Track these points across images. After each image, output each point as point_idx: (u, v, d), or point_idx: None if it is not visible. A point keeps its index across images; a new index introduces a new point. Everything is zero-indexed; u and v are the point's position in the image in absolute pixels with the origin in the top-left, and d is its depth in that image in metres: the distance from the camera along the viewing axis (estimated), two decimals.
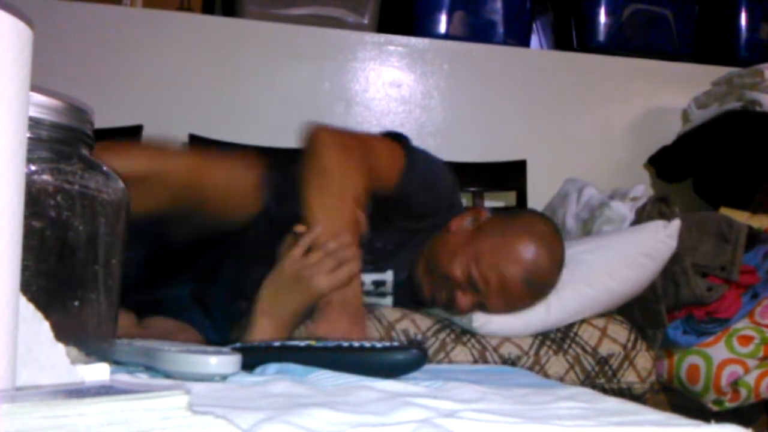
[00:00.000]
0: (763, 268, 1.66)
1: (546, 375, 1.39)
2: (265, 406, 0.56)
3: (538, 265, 1.31)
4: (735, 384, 1.60)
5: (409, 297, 1.43)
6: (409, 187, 1.32)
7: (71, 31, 2.12)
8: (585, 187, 1.84)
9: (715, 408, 1.61)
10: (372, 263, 1.38)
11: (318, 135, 1.23)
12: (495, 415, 0.54)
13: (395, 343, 0.85)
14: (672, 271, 1.61)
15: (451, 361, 1.37)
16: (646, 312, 1.57)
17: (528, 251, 1.30)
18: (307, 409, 0.53)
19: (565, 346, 1.43)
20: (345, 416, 0.53)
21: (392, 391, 0.66)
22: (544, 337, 1.43)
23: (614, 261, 1.46)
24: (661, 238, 1.49)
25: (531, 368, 1.39)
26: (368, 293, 1.43)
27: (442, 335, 1.39)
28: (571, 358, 1.42)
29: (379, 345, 0.83)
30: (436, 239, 1.38)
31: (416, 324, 1.40)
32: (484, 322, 1.36)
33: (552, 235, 1.36)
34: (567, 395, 0.68)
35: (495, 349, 1.39)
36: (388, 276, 1.43)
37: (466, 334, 1.40)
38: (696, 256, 1.64)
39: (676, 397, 1.74)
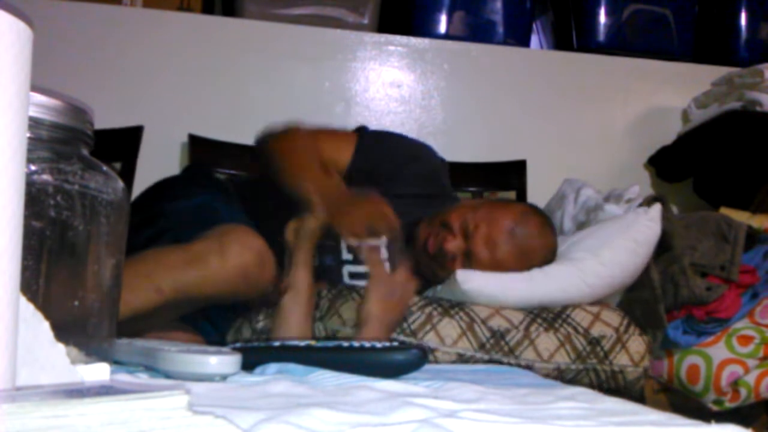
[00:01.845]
0: (763, 268, 1.66)
1: (536, 350, 1.39)
2: (265, 406, 0.56)
3: (528, 231, 1.44)
4: (735, 384, 1.60)
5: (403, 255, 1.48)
6: (365, 157, 1.53)
7: (71, 31, 2.11)
8: (582, 188, 1.83)
9: (715, 408, 1.62)
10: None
11: (264, 147, 1.52)
12: (495, 415, 0.54)
13: (395, 343, 0.86)
14: (671, 270, 1.61)
15: (438, 334, 1.37)
16: (646, 312, 1.57)
17: (521, 217, 1.45)
18: (307, 409, 0.53)
19: (557, 325, 1.42)
20: (345, 416, 0.53)
21: (392, 391, 0.67)
22: (535, 314, 1.43)
23: (600, 246, 1.50)
24: (643, 222, 1.52)
25: (520, 342, 1.39)
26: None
27: (428, 309, 1.39)
28: (562, 336, 1.41)
29: (379, 345, 0.83)
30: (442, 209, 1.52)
31: None
32: (466, 278, 1.40)
33: (546, 222, 1.51)
34: (567, 395, 0.68)
35: (483, 321, 1.39)
36: (382, 242, 1.46)
37: (453, 307, 1.41)
38: (695, 256, 1.64)
39: (676, 397, 1.74)
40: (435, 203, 1.56)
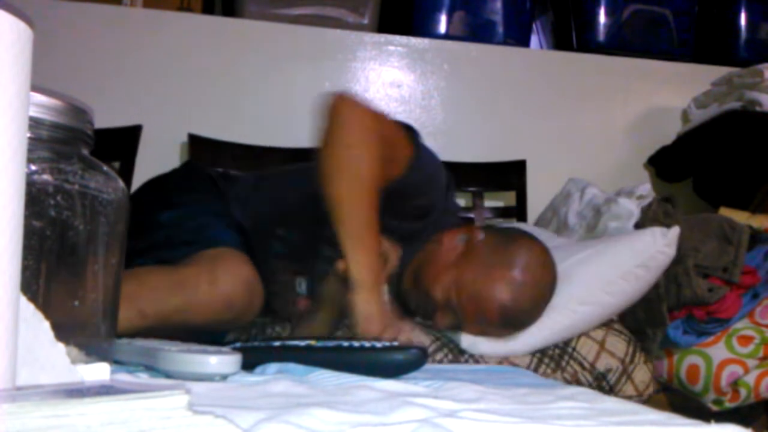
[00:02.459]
0: (764, 269, 1.66)
1: None
2: (265, 405, 0.56)
3: (518, 303, 1.28)
4: (735, 384, 1.60)
5: (398, 303, 1.41)
6: (409, 183, 1.27)
7: (71, 31, 2.11)
8: (587, 187, 1.84)
9: (714, 408, 1.62)
10: None
11: (341, 105, 1.17)
12: (495, 414, 0.54)
13: (395, 343, 0.86)
14: (674, 271, 1.61)
15: None
16: (648, 311, 1.57)
17: (509, 289, 1.27)
18: (307, 409, 0.53)
19: (563, 363, 1.40)
20: (345, 416, 0.53)
21: (392, 391, 0.67)
22: (542, 354, 1.41)
23: (609, 273, 1.41)
24: (659, 248, 1.44)
25: None
26: None
27: (438, 356, 1.36)
28: (569, 375, 1.40)
29: (379, 345, 0.83)
30: (426, 251, 1.35)
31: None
32: (472, 342, 1.35)
33: (540, 267, 1.31)
34: (567, 395, 0.68)
35: None
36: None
37: (463, 353, 1.37)
38: (698, 258, 1.64)
39: (676, 397, 1.74)
40: (429, 235, 1.38)
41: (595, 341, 1.43)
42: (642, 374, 1.43)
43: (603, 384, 1.41)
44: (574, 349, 1.42)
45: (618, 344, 1.44)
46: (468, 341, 1.36)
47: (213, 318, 1.16)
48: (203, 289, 1.14)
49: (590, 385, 1.40)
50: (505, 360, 1.38)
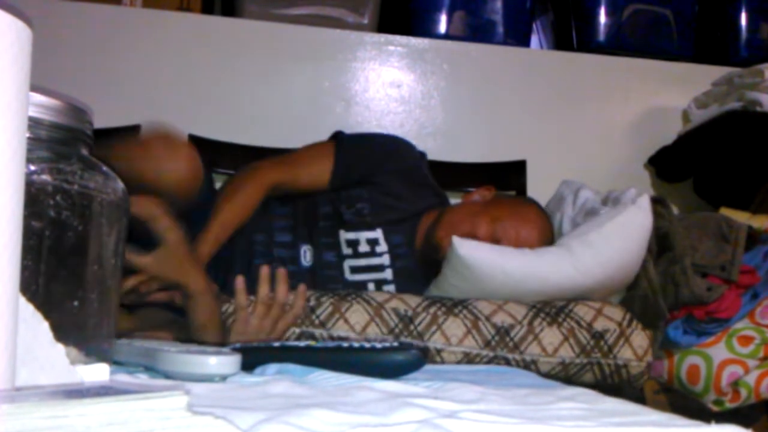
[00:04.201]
0: (763, 268, 1.66)
1: (540, 345, 1.41)
2: (264, 406, 0.56)
3: (542, 222, 1.60)
4: (735, 384, 1.60)
5: (411, 262, 1.56)
6: (344, 166, 1.59)
7: (71, 31, 2.11)
8: (581, 190, 1.82)
9: (715, 408, 1.62)
10: (358, 222, 1.55)
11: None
12: (495, 415, 0.54)
13: (395, 344, 0.86)
14: (672, 271, 1.61)
15: (443, 334, 1.38)
16: (645, 306, 1.56)
17: (534, 220, 1.59)
18: (306, 410, 0.53)
19: (560, 319, 1.44)
20: (345, 417, 0.53)
21: (392, 392, 0.67)
22: (538, 309, 1.44)
23: (587, 230, 1.52)
24: (630, 209, 1.53)
25: (524, 338, 1.41)
26: (364, 254, 1.54)
27: (432, 309, 1.40)
28: (565, 330, 1.43)
29: (378, 345, 0.83)
30: (451, 209, 1.62)
31: (405, 302, 1.41)
32: (462, 244, 1.45)
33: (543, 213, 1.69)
34: (567, 396, 0.68)
35: (488, 318, 1.40)
36: (378, 234, 1.55)
37: (457, 305, 1.42)
38: (696, 256, 1.64)
39: (676, 398, 1.74)
40: (420, 195, 1.64)
41: (591, 308, 1.47)
42: (640, 339, 1.45)
43: (601, 344, 1.43)
44: (570, 310, 1.45)
45: (615, 312, 1.48)
46: (459, 242, 1.45)
47: (148, 171, 1.29)
48: (149, 143, 1.35)
49: (588, 343, 1.42)
50: (500, 309, 1.40)
